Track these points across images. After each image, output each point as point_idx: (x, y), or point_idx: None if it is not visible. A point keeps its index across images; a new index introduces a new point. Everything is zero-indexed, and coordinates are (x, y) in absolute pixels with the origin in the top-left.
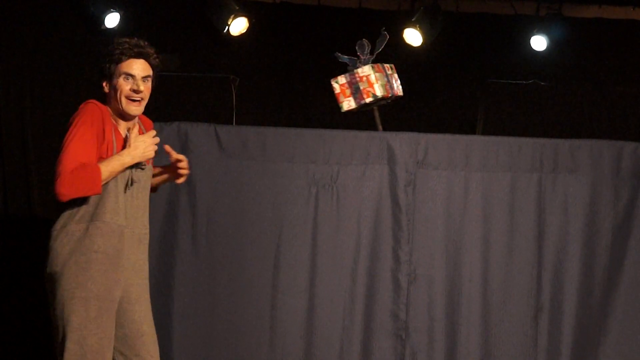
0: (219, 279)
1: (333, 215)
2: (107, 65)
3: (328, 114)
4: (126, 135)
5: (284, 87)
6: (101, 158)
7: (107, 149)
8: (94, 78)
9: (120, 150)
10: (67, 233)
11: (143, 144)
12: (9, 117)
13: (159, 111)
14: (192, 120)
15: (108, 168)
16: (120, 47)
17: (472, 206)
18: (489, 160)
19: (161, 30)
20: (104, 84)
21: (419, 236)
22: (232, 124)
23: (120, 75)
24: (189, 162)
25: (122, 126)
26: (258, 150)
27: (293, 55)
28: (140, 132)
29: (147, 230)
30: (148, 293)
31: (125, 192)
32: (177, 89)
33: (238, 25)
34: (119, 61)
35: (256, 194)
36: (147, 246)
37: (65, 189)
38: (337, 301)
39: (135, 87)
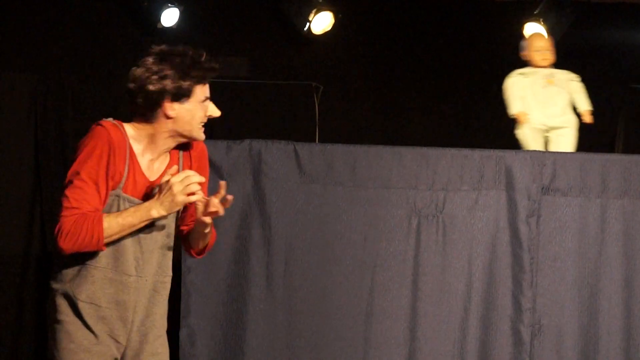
0: (299, 331)
1: (438, 252)
2: (183, 83)
3: (432, 129)
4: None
5: (377, 96)
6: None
7: (115, 184)
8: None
9: (141, 185)
10: (61, 274)
11: (177, 188)
12: (47, 138)
13: (226, 126)
14: (267, 137)
15: (120, 221)
16: (201, 66)
17: (610, 241)
18: (632, 184)
19: (228, 29)
20: (169, 104)
21: (544, 278)
22: (314, 141)
23: (199, 99)
24: (263, 188)
25: (152, 154)
26: (347, 174)
27: (389, 57)
28: (187, 161)
29: (167, 279)
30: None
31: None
32: (246, 100)
33: (321, 22)
34: (200, 82)
35: (344, 227)
36: (165, 297)
37: (66, 245)
38: (443, 358)
39: (211, 113)
